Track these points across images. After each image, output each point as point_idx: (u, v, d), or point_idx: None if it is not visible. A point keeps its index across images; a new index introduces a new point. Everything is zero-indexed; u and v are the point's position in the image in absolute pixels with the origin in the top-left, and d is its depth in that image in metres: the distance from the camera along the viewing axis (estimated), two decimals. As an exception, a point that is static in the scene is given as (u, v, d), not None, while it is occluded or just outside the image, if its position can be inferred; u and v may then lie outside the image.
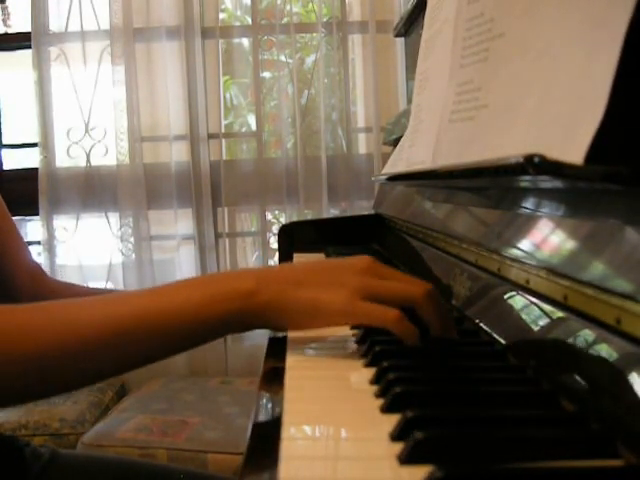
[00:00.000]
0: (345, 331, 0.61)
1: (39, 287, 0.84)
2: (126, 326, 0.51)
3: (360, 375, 0.49)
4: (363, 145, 2.21)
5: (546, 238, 0.49)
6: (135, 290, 0.54)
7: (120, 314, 0.51)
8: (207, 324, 0.52)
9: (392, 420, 0.39)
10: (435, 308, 0.53)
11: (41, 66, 2.07)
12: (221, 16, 2.22)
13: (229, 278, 0.54)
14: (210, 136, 2.10)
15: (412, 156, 0.81)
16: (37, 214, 2.07)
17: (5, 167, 2.30)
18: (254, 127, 2.13)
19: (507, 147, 0.49)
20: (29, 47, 2.07)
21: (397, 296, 0.53)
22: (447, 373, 0.48)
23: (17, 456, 0.80)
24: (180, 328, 0.52)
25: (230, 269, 2.14)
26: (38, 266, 0.86)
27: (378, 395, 0.44)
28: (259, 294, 0.52)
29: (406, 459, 0.34)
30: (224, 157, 2.12)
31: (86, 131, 2.10)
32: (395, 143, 1.13)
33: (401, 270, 0.95)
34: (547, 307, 0.45)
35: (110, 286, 2.11)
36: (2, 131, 2.30)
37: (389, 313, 0.51)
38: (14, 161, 2.39)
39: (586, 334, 0.39)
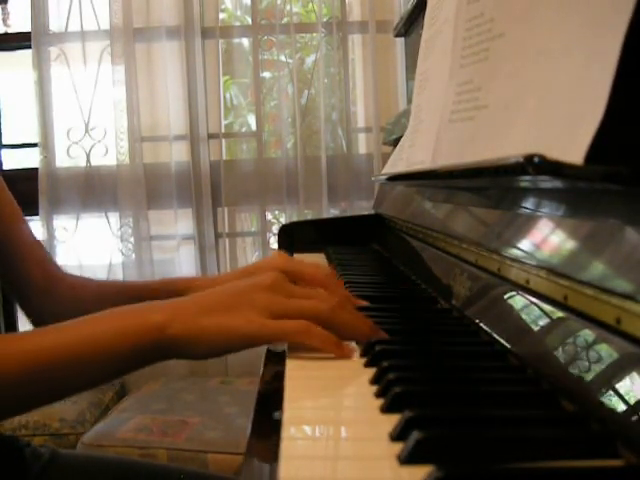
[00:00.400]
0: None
1: (50, 278, 0.84)
2: (34, 361, 0.51)
3: (360, 375, 0.49)
4: (363, 145, 2.21)
5: (546, 238, 0.49)
6: (52, 325, 0.55)
7: (29, 349, 0.52)
8: (117, 358, 0.53)
9: (392, 420, 0.39)
10: (343, 318, 0.55)
11: (41, 66, 2.07)
12: (221, 16, 2.22)
13: (140, 311, 0.54)
14: (210, 136, 2.10)
15: (412, 156, 0.81)
16: (37, 214, 2.07)
17: (5, 167, 2.30)
18: (254, 127, 2.13)
19: (507, 147, 0.49)
20: (29, 47, 2.07)
21: (303, 313, 0.54)
22: (447, 373, 0.48)
23: (17, 456, 0.80)
24: (89, 362, 0.53)
25: (230, 269, 2.14)
26: (49, 256, 0.87)
27: (378, 395, 0.44)
28: (170, 326, 0.52)
29: (406, 459, 0.34)
30: (224, 157, 2.12)
31: (86, 131, 2.10)
32: (395, 143, 1.13)
33: (401, 270, 0.95)
34: (547, 307, 0.45)
35: (110, 286, 2.11)
36: (2, 131, 2.30)
37: (298, 326, 0.53)
38: (14, 161, 2.39)
39: (586, 334, 0.39)
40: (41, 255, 0.85)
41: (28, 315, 0.85)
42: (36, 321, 0.86)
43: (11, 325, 2.19)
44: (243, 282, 0.57)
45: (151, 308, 0.54)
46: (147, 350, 0.53)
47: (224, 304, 0.54)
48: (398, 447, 0.35)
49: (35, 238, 0.86)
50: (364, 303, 0.67)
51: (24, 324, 2.30)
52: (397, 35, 1.51)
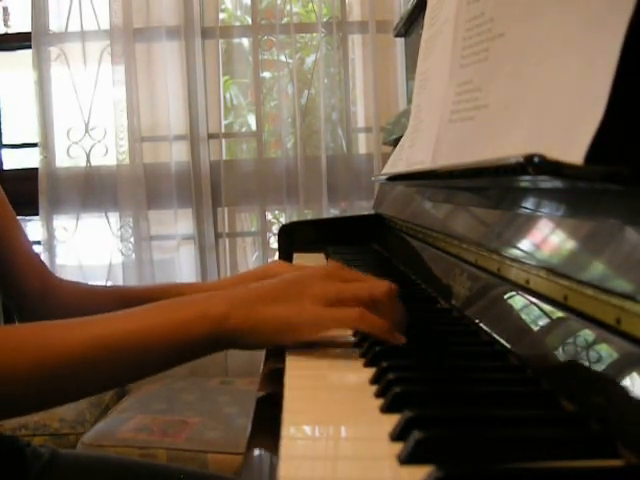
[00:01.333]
0: (345, 331, 0.61)
1: (46, 285, 0.84)
2: (99, 349, 0.52)
3: (360, 375, 0.49)
4: (363, 145, 2.21)
5: (546, 238, 0.49)
6: (111, 313, 0.55)
7: (93, 337, 0.52)
8: (180, 348, 0.54)
9: (392, 420, 0.39)
10: (393, 306, 0.56)
11: (41, 66, 2.06)
12: (221, 16, 2.22)
13: (200, 302, 0.55)
14: (210, 136, 2.10)
15: (412, 156, 0.81)
16: (37, 214, 2.07)
17: (5, 167, 2.29)
18: (254, 127, 2.13)
19: (507, 147, 0.49)
20: (29, 47, 2.07)
21: (359, 296, 0.55)
22: (447, 373, 0.48)
23: (17, 456, 0.80)
24: (152, 352, 0.53)
25: (230, 269, 2.14)
26: (44, 264, 0.87)
27: (378, 395, 0.44)
28: (230, 317, 0.53)
29: (406, 459, 0.34)
30: (224, 157, 2.12)
31: (86, 131, 2.10)
32: (395, 143, 1.13)
33: (401, 270, 0.95)
34: (547, 307, 0.45)
35: (110, 286, 2.11)
36: (2, 131, 2.30)
37: (352, 313, 0.53)
38: (14, 161, 2.39)
39: (586, 334, 0.39)
40: (38, 263, 0.85)
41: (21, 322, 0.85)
42: None
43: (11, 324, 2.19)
44: (297, 273, 0.58)
45: (211, 299, 0.55)
46: (207, 341, 0.54)
47: (280, 294, 0.55)
48: (398, 447, 0.35)
49: (31, 246, 0.86)
50: None
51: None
52: (397, 35, 1.51)
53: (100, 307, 0.79)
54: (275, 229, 2.15)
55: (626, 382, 0.34)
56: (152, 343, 0.53)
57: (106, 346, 0.52)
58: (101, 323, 0.54)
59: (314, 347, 0.56)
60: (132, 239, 2.08)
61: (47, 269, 0.86)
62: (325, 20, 2.08)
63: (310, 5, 2.20)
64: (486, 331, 0.55)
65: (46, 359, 0.51)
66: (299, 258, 1.14)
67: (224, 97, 2.22)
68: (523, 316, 0.49)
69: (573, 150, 0.36)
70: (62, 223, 2.11)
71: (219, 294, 0.56)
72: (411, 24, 1.35)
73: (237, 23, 2.34)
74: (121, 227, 2.08)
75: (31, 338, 0.52)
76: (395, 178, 0.95)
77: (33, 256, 0.85)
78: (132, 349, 0.52)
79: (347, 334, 0.61)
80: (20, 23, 2.26)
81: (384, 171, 1.07)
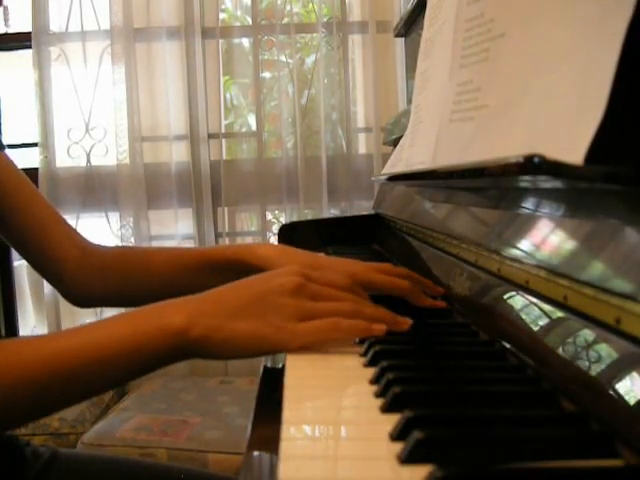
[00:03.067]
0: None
1: (84, 251, 0.85)
2: (55, 365, 0.52)
3: (360, 375, 0.49)
4: (363, 145, 2.21)
5: (546, 238, 0.49)
6: (71, 328, 0.56)
7: (51, 352, 0.52)
8: (142, 360, 0.53)
9: (392, 420, 0.39)
10: (366, 313, 0.56)
11: (41, 66, 2.07)
12: (221, 16, 2.22)
13: (157, 314, 0.54)
14: (210, 136, 2.10)
15: (412, 156, 0.81)
16: (37, 214, 2.07)
17: (5, 167, 2.29)
18: (254, 127, 2.13)
19: (507, 147, 0.49)
20: (29, 47, 2.07)
21: (329, 311, 0.55)
22: (447, 373, 0.48)
23: (17, 456, 0.80)
24: (116, 365, 0.53)
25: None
26: (77, 231, 0.87)
27: (378, 395, 0.44)
28: (191, 330, 0.52)
29: (406, 459, 0.34)
30: (224, 157, 2.12)
31: (86, 131, 2.10)
32: (395, 143, 1.13)
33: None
34: (547, 307, 0.45)
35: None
36: (2, 131, 2.30)
37: (327, 324, 0.53)
38: (14, 161, 2.38)
39: (586, 334, 0.39)
40: (72, 231, 0.85)
41: (63, 291, 0.85)
42: (72, 296, 0.86)
43: (11, 324, 2.19)
44: (265, 284, 0.56)
45: (170, 309, 0.54)
46: (168, 352, 0.53)
47: (251, 308, 0.54)
48: (398, 447, 0.35)
49: (59, 214, 0.86)
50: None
51: (24, 324, 2.29)
52: (397, 35, 1.51)
53: (146, 266, 0.80)
54: (275, 229, 2.15)
55: (626, 382, 0.34)
56: (112, 357, 0.52)
57: (66, 362, 0.52)
58: (60, 339, 0.54)
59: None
60: (132, 239, 2.08)
61: (82, 236, 0.86)
62: (325, 20, 2.08)
63: (310, 5, 2.20)
64: (486, 331, 0.55)
65: (17, 374, 0.51)
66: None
67: (224, 97, 2.22)
68: (523, 316, 0.49)
69: (573, 150, 0.36)
70: (62, 223, 2.11)
71: (179, 303, 0.55)
72: (411, 24, 1.35)
73: (237, 23, 2.34)
74: (121, 227, 2.09)
75: (5, 353, 0.52)
76: (395, 178, 0.95)
77: (66, 225, 0.85)
78: (93, 365, 0.52)
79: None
80: (20, 23, 2.26)
81: (384, 171, 1.07)
